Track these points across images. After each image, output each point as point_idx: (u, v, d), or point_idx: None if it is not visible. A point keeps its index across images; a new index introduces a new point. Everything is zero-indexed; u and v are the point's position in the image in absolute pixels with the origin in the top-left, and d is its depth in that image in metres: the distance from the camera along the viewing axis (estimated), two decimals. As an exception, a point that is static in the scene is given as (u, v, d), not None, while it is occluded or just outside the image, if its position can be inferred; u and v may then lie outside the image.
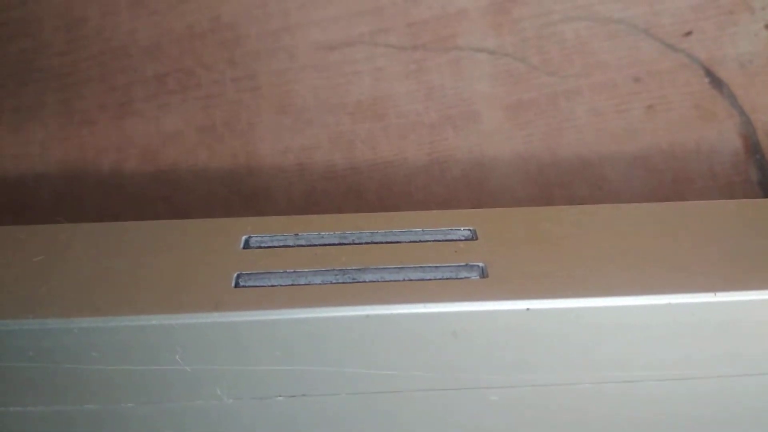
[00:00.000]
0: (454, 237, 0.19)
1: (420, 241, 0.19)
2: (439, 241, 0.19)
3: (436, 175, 0.28)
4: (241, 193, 0.27)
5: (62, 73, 0.30)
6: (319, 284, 0.17)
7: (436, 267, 0.18)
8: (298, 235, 0.19)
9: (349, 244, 0.18)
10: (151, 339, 0.17)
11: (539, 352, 0.18)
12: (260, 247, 0.19)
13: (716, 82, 0.29)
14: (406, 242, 0.19)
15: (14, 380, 0.17)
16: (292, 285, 0.17)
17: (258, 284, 0.17)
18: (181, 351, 0.17)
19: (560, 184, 0.27)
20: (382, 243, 0.18)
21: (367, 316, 0.16)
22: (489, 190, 0.27)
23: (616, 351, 0.18)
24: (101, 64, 0.29)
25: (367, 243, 0.18)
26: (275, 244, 0.19)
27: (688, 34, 0.29)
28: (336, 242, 0.18)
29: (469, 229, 0.19)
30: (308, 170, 0.27)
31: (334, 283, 0.17)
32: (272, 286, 0.17)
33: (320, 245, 0.18)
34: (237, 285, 0.17)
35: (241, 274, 0.17)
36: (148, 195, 0.27)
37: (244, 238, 0.19)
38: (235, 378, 0.17)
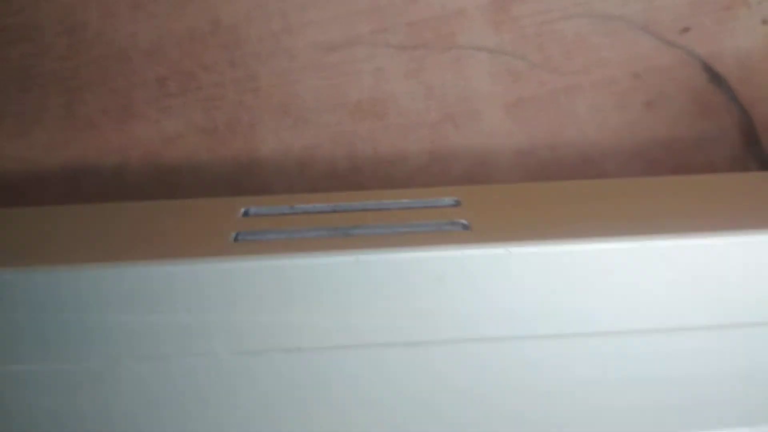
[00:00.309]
0: (440, 204, 0.20)
1: (408, 208, 0.20)
2: (425, 207, 0.20)
3: (437, 174, 0.28)
4: (244, 194, 0.27)
5: (64, 78, 0.30)
6: (313, 237, 0.18)
7: (422, 224, 0.19)
8: (293, 206, 0.20)
9: (342, 211, 0.20)
10: (154, 286, 0.17)
11: (523, 301, 0.18)
12: (259, 215, 0.20)
13: (715, 77, 0.29)
14: (395, 209, 0.20)
15: (17, 334, 0.18)
16: (288, 239, 0.18)
17: (256, 239, 0.18)
18: (181, 298, 0.17)
19: (562, 181, 0.27)
20: (372, 210, 0.20)
21: (357, 261, 0.17)
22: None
23: (600, 301, 0.18)
24: (102, 67, 0.30)
25: (358, 210, 0.20)
26: (273, 212, 0.20)
27: (686, 30, 0.29)
28: (329, 210, 0.20)
29: (454, 199, 0.21)
30: (310, 170, 0.27)
31: (327, 237, 0.18)
32: (269, 240, 0.18)
33: (315, 213, 0.20)
34: (237, 240, 0.18)
35: (241, 232, 0.19)
36: (151, 197, 0.27)
37: (243, 209, 0.20)
38: (233, 330, 0.18)
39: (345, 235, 0.18)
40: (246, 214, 0.20)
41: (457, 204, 0.20)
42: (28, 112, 0.29)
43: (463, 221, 0.19)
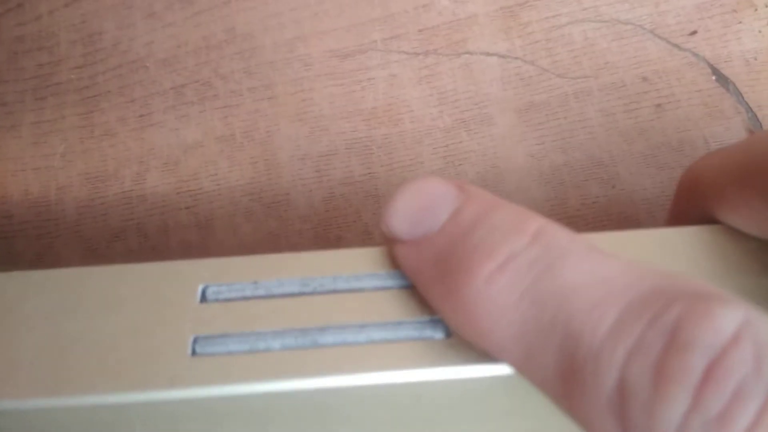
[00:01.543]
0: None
1: (384, 288, 0.17)
2: (403, 288, 0.17)
3: (451, 178, 0.28)
4: (263, 201, 0.28)
5: (81, 87, 0.30)
6: (279, 350, 0.16)
7: (400, 323, 0.17)
8: (257, 282, 0.18)
9: (311, 293, 0.17)
10: (108, 416, 0.16)
11: (506, 417, 0.17)
12: (217, 300, 0.17)
13: (722, 80, 0.29)
14: (370, 289, 0.17)
15: None
16: (251, 351, 0.16)
17: (215, 351, 0.16)
18: (140, 425, 0.17)
19: (574, 184, 0.28)
20: (344, 291, 0.17)
21: (327, 389, 0.16)
22: (504, 191, 0.28)
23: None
24: (119, 76, 0.30)
25: (329, 292, 0.17)
26: (234, 296, 0.17)
27: (694, 33, 0.30)
28: (297, 291, 0.17)
29: None
30: (327, 176, 0.28)
31: (295, 348, 0.16)
32: (230, 353, 0.16)
33: (280, 296, 0.17)
34: (194, 352, 0.16)
35: (198, 338, 0.17)
36: (171, 205, 0.28)
37: (201, 288, 0.18)
38: None
39: (314, 345, 0.16)
40: (203, 296, 0.17)
41: None
42: (45, 121, 0.30)
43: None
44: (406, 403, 0.17)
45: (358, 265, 0.18)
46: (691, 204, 0.20)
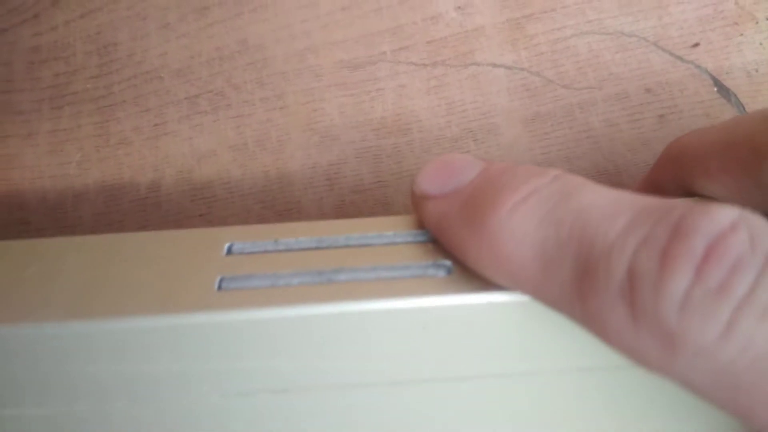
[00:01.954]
0: (424, 239, 0.20)
1: (392, 243, 0.20)
2: (409, 243, 0.20)
3: (459, 187, 0.29)
4: (275, 209, 0.28)
5: (96, 96, 0.31)
6: (297, 285, 0.18)
7: (406, 267, 0.19)
8: (278, 241, 0.20)
9: (326, 248, 0.20)
10: (141, 340, 0.18)
11: (501, 344, 0.19)
12: (242, 253, 0.20)
13: (724, 91, 0.30)
14: (379, 245, 0.20)
15: (11, 384, 0.18)
16: (272, 286, 0.18)
17: (239, 286, 0.18)
18: (168, 351, 0.18)
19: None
20: (356, 246, 0.20)
21: (341, 313, 0.18)
22: (511, 199, 0.28)
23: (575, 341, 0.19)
24: (134, 86, 0.31)
25: (342, 246, 0.20)
26: (256, 250, 0.20)
27: (696, 45, 0.31)
28: (313, 246, 0.20)
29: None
30: (337, 185, 0.29)
31: (312, 284, 0.18)
32: (253, 288, 0.18)
33: (298, 250, 0.20)
34: (220, 288, 0.18)
35: (224, 278, 0.19)
36: (185, 212, 0.28)
37: (227, 245, 0.20)
38: (221, 375, 0.19)
39: (329, 281, 0.18)
40: (229, 251, 0.20)
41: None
42: (61, 130, 0.30)
43: (447, 262, 0.19)
44: (413, 335, 0.18)
45: (370, 229, 0.20)
46: (671, 173, 0.22)
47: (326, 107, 0.30)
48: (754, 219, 0.14)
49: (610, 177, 0.29)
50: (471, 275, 0.18)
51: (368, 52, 0.31)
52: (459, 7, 0.31)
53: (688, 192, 0.21)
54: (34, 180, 0.29)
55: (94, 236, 0.20)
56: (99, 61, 0.32)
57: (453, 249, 0.18)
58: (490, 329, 0.18)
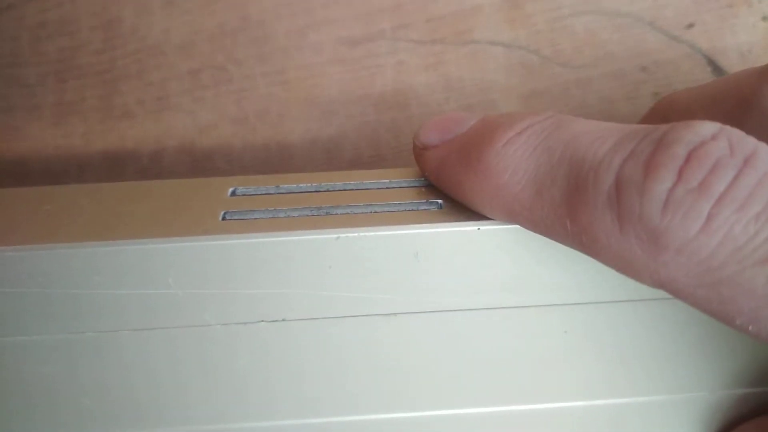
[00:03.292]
0: (418, 185, 0.21)
1: (387, 188, 0.21)
2: (403, 187, 0.21)
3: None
4: (275, 180, 0.29)
5: (100, 70, 0.31)
6: (297, 216, 0.20)
7: (400, 203, 0.20)
8: (279, 186, 0.21)
9: (324, 191, 0.21)
10: (147, 262, 0.19)
11: (491, 276, 0.19)
12: (246, 195, 0.21)
13: (718, 71, 0.30)
14: (374, 189, 0.21)
15: (21, 307, 0.19)
16: (273, 218, 0.20)
17: (242, 218, 0.20)
18: (173, 275, 0.19)
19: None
20: (353, 190, 0.21)
21: (338, 238, 0.19)
22: (507, 174, 0.29)
23: (561, 275, 0.20)
24: (137, 61, 0.31)
25: (340, 190, 0.21)
26: (259, 192, 0.21)
27: (691, 26, 0.31)
28: (312, 190, 0.21)
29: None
30: (336, 158, 0.29)
31: (310, 216, 0.20)
32: (255, 219, 0.19)
33: (299, 192, 0.21)
34: (224, 219, 0.20)
35: (228, 212, 0.20)
36: (186, 183, 0.29)
37: (231, 189, 0.21)
38: (222, 303, 0.19)
39: (327, 214, 0.20)
40: (234, 193, 0.21)
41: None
42: (66, 103, 0.31)
43: (439, 200, 0.20)
44: (406, 263, 0.19)
45: (367, 178, 0.22)
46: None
47: (326, 82, 0.30)
48: (735, 131, 0.15)
49: (605, 153, 0.29)
50: (462, 209, 0.19)
51: (368, 30, 0.31)
52: (458, -13, 0.32)
53: None
54: (39, 151, 0.30)
55: (106, 183, 0.22)
56: (103, 36, 0.32)
57: (451, 189, 0.19)
58: (480, 259, 0.19)
